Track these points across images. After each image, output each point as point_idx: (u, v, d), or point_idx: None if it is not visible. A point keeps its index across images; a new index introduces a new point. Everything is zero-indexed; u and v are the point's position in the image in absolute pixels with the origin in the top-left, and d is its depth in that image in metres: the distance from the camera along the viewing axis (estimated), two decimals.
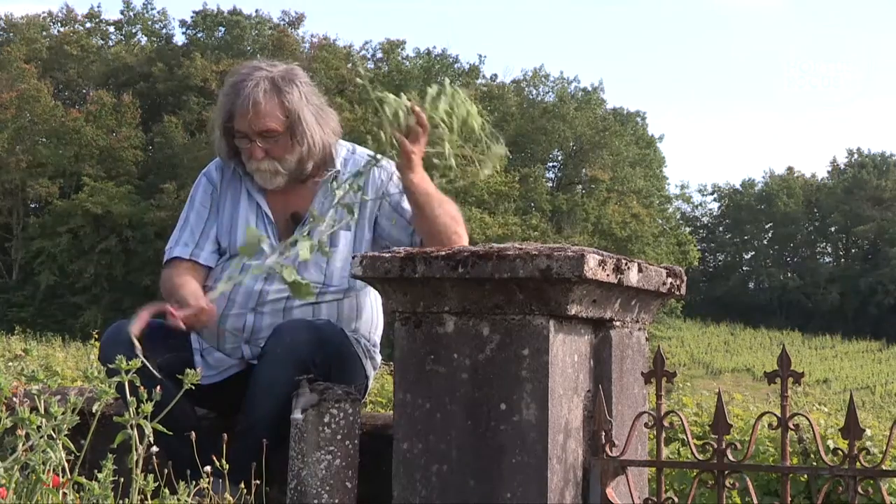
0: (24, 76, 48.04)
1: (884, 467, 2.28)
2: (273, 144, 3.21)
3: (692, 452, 2.45)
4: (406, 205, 3.16)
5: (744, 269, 75.36)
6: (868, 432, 5.77)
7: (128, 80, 52.30)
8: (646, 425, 2.50)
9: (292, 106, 3.21)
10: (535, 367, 2.44)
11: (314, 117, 3.26)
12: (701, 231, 76.34)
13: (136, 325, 2.95)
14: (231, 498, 2.50)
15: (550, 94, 58.87)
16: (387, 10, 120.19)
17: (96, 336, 13.90)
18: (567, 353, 2.51)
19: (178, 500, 2.36)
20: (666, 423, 2.45)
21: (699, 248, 67.03)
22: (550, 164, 59.34)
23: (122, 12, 56.82)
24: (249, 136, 3.20)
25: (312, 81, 3.35)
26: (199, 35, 54.27)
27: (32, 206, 50.88)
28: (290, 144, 3.22)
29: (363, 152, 3.37)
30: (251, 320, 3.20)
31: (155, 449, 2.34)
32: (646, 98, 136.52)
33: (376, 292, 2.85)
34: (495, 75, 60.49)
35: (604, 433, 2.50)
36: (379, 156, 3.11)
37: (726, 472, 2.40)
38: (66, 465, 2.24)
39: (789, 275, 71.70)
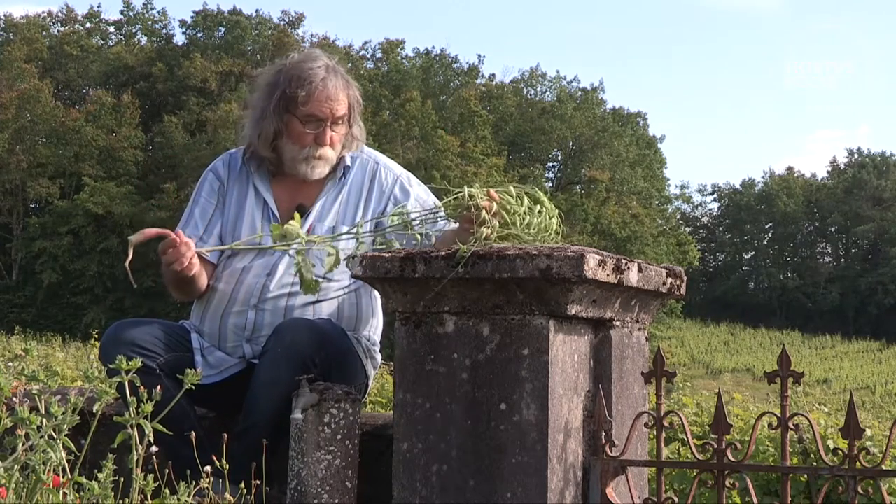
0: (25, 76, 48.01)
1: (884, 467, 2.28)
2: (339, 133, 3.24)
3: (692, 452, 2.45)
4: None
5: (744, 269, 75.33)
6: (868, 432, 5.76)
7: (128, 80, 52.26)
8: (646, 425, 2.50)
9: (354, 99, 3.27)
10: (535, 367, 2.44)
11: (359, 117, 3.32)
12: (701, 231, 76.35)
13: (138, 236, 2.96)
14: (231, 498, 2.50)
15: (549, 94, 58.89)
16: (387, 10, 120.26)
17: (96, 336, 13.92)
18: (567, 353, 2.51)
19: (178, 500, 2.36)
20: (666, 423, 2.45)
21: (699, 248, 67.03)
22: (550, 165, 59.34)
23: (122, 12, 56.83)
24: (325, 121, 3.21)
25: None
26: (199, 35, 54.22)
27: (32, 206, 50.83)
28: (347, 135, 3.27)
29: (370, 152, 3.37)
30: (252, 317, 3.20)
31: (155, 449, 2.34)
32: (646, 98, 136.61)
33: (376, 291, 2.84)
34: (493, 75, 60.56)
35: (604, 433, 2.50)
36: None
37: (726, 472, 2.40)
38: (66, 465, 2.24)
39: (789, 275, 71.67)
